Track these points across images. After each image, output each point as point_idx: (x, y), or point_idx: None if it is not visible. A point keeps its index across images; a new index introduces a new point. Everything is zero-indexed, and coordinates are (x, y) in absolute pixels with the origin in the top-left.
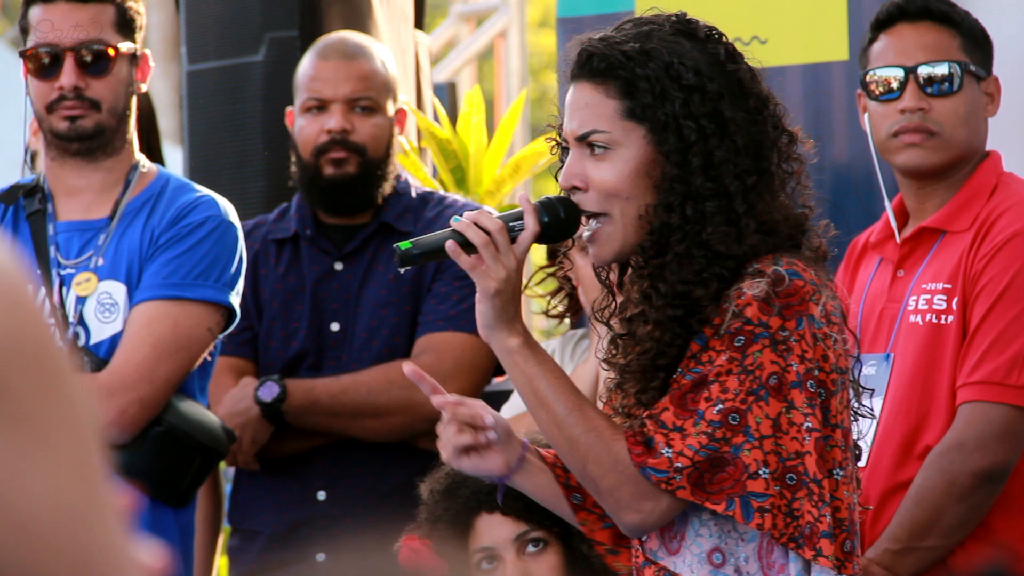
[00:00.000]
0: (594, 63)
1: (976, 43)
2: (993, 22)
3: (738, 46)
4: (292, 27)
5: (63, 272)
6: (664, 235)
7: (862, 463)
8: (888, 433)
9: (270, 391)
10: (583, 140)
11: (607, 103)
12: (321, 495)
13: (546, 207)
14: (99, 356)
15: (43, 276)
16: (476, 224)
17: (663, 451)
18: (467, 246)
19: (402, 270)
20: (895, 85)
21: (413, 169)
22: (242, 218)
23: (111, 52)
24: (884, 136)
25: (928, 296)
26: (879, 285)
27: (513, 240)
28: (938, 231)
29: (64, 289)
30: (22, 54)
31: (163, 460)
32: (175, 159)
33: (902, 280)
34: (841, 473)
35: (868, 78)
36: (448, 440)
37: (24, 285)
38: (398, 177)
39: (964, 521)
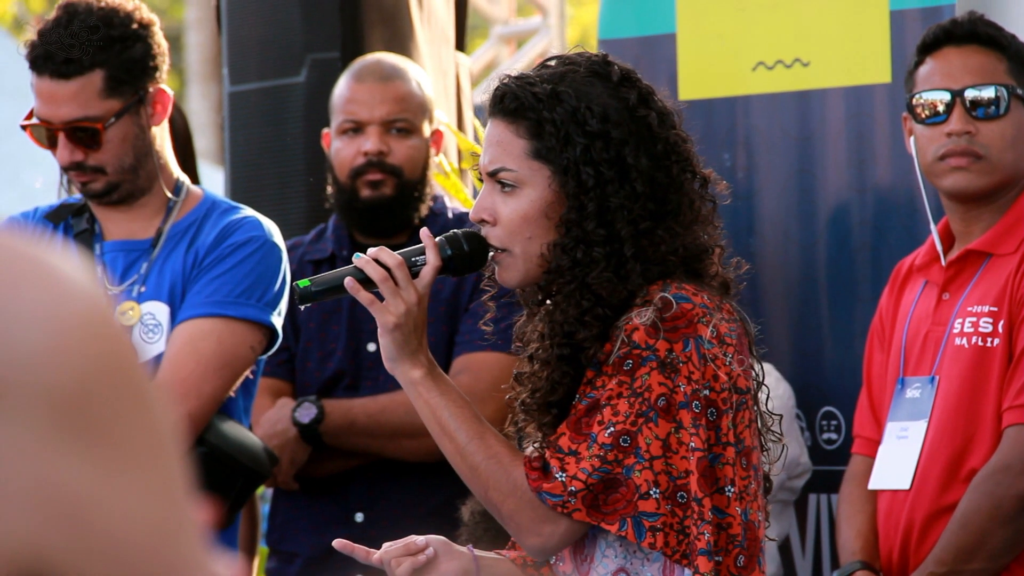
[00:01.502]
0: (506, 102)
1: (1023, 66)
2: None
3: (780, 69)
4: (334, 48)
5: (109, 294)
6: (557, 276)
7: (906, 486)
8: (933, 456)
9: (308, 412)
10: (493, 176)
11: (516, 142)
12: (359, 517)
13: (450, 241)
14: None
15: None
16: (376, 260)
17: (557, 475)
18: (368, 282)
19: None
20: (941, 108)
21: (454, 190)
22: (283, 239)
23: (100, 126)
24: (930, 159)
25: (974, 319)
26: (924, 308)
27: (416, 275)
28: (984, 254)
29: None
30: (23, 127)
31: (206, 481)
32: (216, 180)
33: (947, 303)
34: (732, 490)
35: (914, 101)
36: None
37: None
38: (435, 198)
39: (1010, 544)
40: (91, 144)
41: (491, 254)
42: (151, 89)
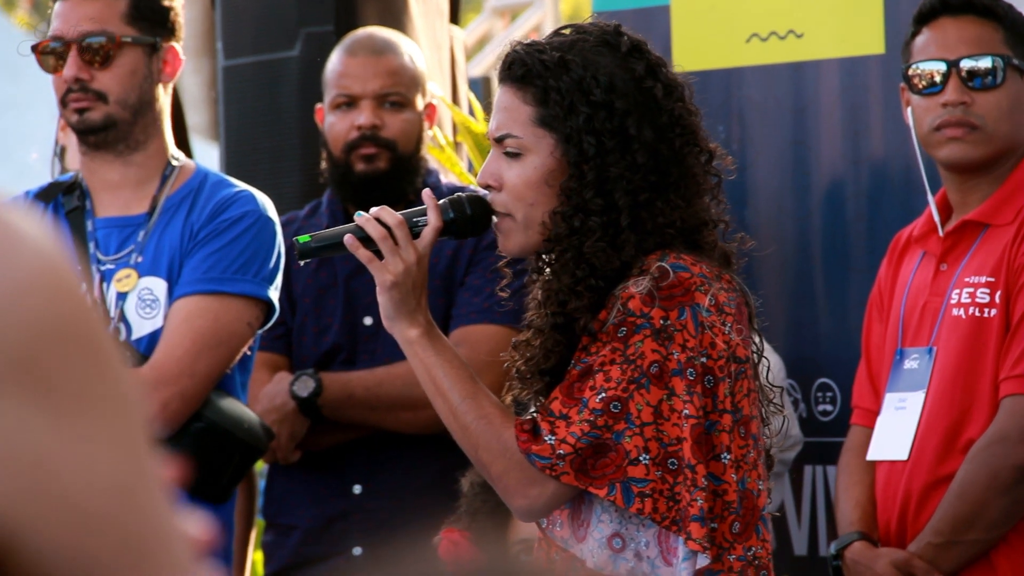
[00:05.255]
0: (515, 68)
1: (1019, 36)
2: None
3: (774, 40)
4: (328, 22)
5: (103, 268)
6: (555, 243)
7: (904, 456)
8: (931, 427)
9: (305, 386)
10: (500, 142)
11: (523, 109)
12: (357, 489)
13: (453, 204)
14: (140, 351)
15: (83, 272)
16: (377, 219)
17: (547, 438)
18: (367, 241)
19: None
20: (937, 79)
21: (449, 164)
22: (278, 214)
23: (114, 43)
24: (926, 130)
25: (971, 289)
26: (922, 279)
27: (417, 236)
28: (981, 224)
29: (104, 285)
30: (33, 48)
31: (203, 456)
32: (209, 155)
33: (945, 274)
34: (729, 457)
35: (910, 72)
36: None
37: (66, 267)
38: (429, 171)
39: (1007, 515)
40: (101, 62)
41: (494, 220)
42: (166, 44)
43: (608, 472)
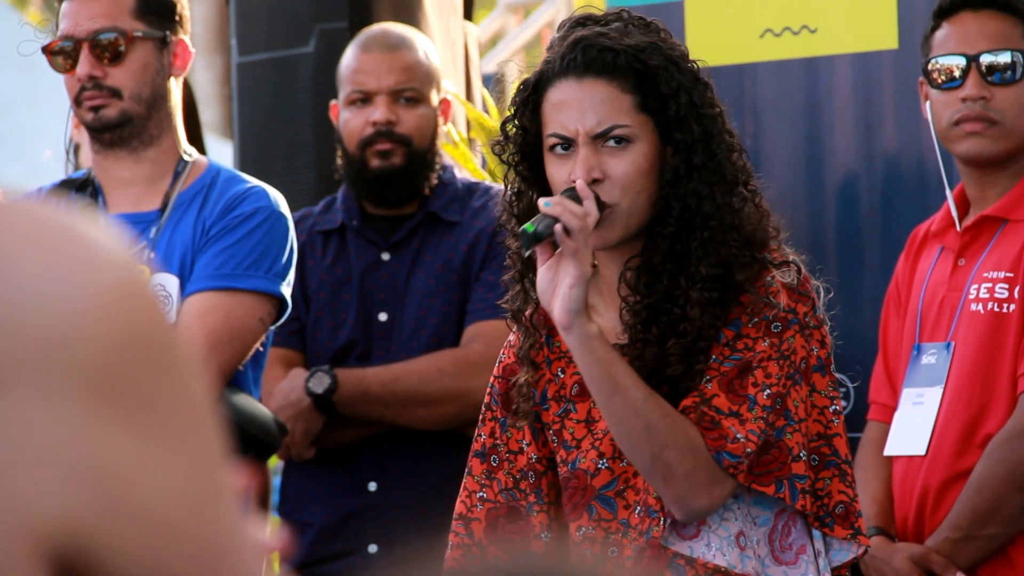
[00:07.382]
0: (606, 58)
1: None
2: None
3: (787, 36)
4: (342, 19)
5: None
6: (689, 222)
7: (921, 452)
8: (948, 422)
9: (321, 382)
10: (603, 136)
11: (623, 97)
12: (372, 486)
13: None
14: None
15: None
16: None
17: (739, 436)
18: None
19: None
20: (957, 73)
21: (463, 160)
22: (292, 210)
23: (126, 38)
24: (945, 125)
25: (990, 285)
26: (940, 274)
27: None
28: (1000, 219)
29: None
30: (43, 50)
31: None
32: (223, 152)
33: (963, 269)
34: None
35: (930, 66)
36: None
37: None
38: (444, 167)
39: None
40: (113, 58)
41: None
42: (175, 37)
43: (773, 469)
